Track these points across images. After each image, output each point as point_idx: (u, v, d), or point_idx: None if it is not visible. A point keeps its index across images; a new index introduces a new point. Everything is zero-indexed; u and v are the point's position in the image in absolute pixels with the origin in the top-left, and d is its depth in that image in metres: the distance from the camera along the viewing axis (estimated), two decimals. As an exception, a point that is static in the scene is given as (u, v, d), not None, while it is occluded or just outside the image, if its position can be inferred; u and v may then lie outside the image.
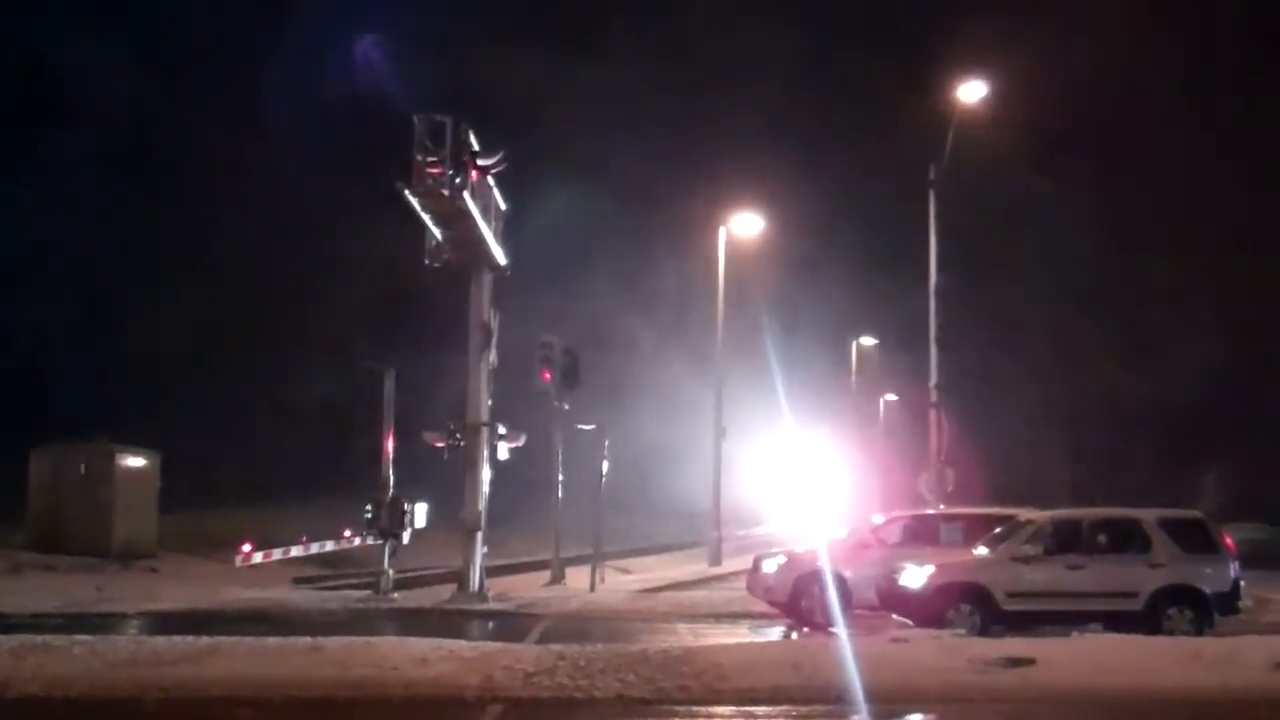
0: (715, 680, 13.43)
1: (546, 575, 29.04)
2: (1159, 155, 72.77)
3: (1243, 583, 19.39)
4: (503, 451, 25.62)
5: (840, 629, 20.23)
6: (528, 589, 27.44)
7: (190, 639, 15.53)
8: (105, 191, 52.22)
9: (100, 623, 19.46)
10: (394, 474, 26.66)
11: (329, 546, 27.63)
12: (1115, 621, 18.06)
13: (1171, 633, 18.05)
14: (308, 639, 15.33)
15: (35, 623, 18.85)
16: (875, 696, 13.14)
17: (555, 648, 15.63)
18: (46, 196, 50.36)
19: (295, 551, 26.57)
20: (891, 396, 71.73)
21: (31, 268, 45.15)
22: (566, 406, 28.67)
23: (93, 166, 53.26)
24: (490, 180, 24.17)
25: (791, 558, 22.81)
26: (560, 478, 29.00)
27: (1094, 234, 71.61)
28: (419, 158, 21.84)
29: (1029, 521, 19.98)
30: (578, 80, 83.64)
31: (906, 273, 36.34)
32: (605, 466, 29.00)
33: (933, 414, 29.64)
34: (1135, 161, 72.23)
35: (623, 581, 30.18)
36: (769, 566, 22.49)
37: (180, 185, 55.29)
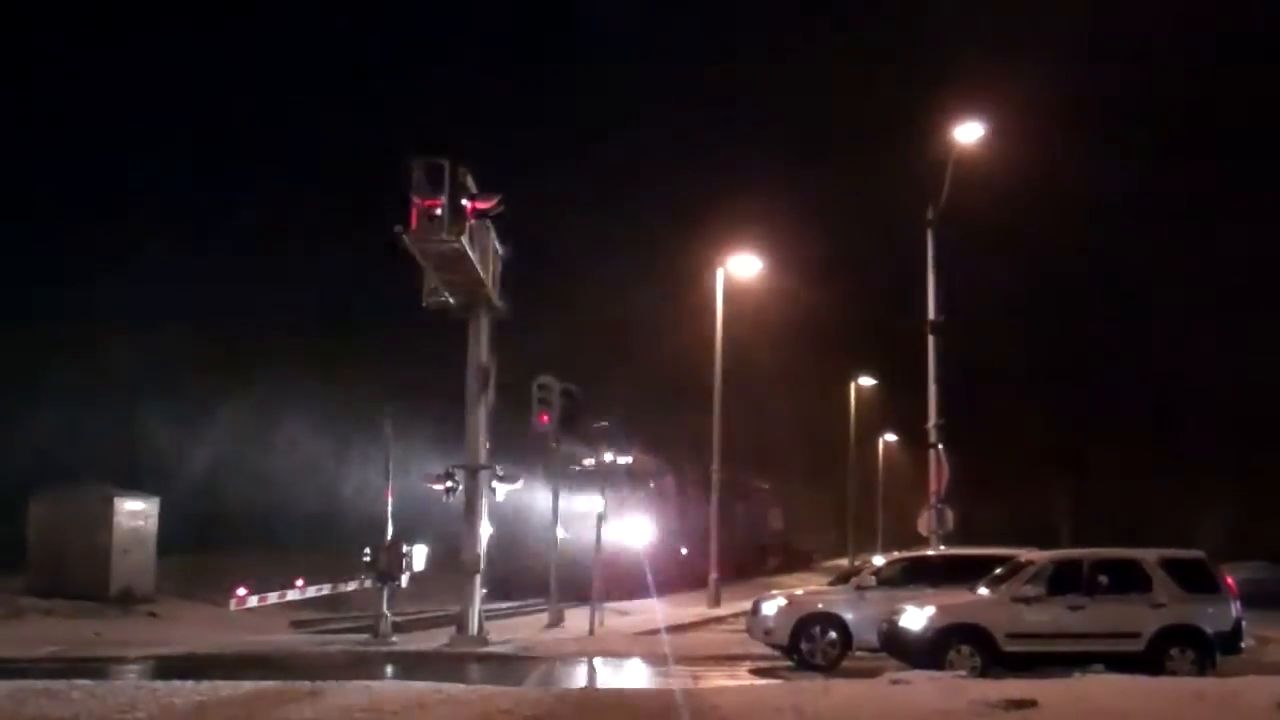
0: (715, 723, 13.38)
1: (545, 618, 28.95)
2: (1160, 183, 72.90)
3: (1245, 622, 19.38)
4: (500, 494, 25.61)
5: (840, 671, 20.28)
6: (527, 632, 27.35)
7: (189, 683, 15.49)
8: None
9: (100, 667, 19.41)
10: (393, 517, 26.62)
11: (326, 590, 27.51)
12: (1117, 662, 18.02)
13: (1174, 673, 18.00)
14: (307, 683, 15.29)
15: (34, 667, 18.78)
16: (877, 739, 13.12)
17: (554, 691, 15.64)
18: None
19: (291, 595, 26.44)
20: (891, 436, 71.87)
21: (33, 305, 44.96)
22: (564, 448, 28.68)
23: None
24: (488, 223, 24.21)
25: (791, 600, 22.80)
26: (558, 520, 28.99)
27: (1095, 266, 71.62)
28: (416, 200, 21.88)
29: (1030, 562, 19.96)
30: (575, 122, 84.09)
31: (905, 312, 36.41)
32: (603, 508, 29.00)
33: (932, 454, 29.58)
34: (1136, 190, 72.34)
35: (622, 624, 30.06)
36: (769, 609, 22.45)
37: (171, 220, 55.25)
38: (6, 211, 50.76)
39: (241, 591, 25.11)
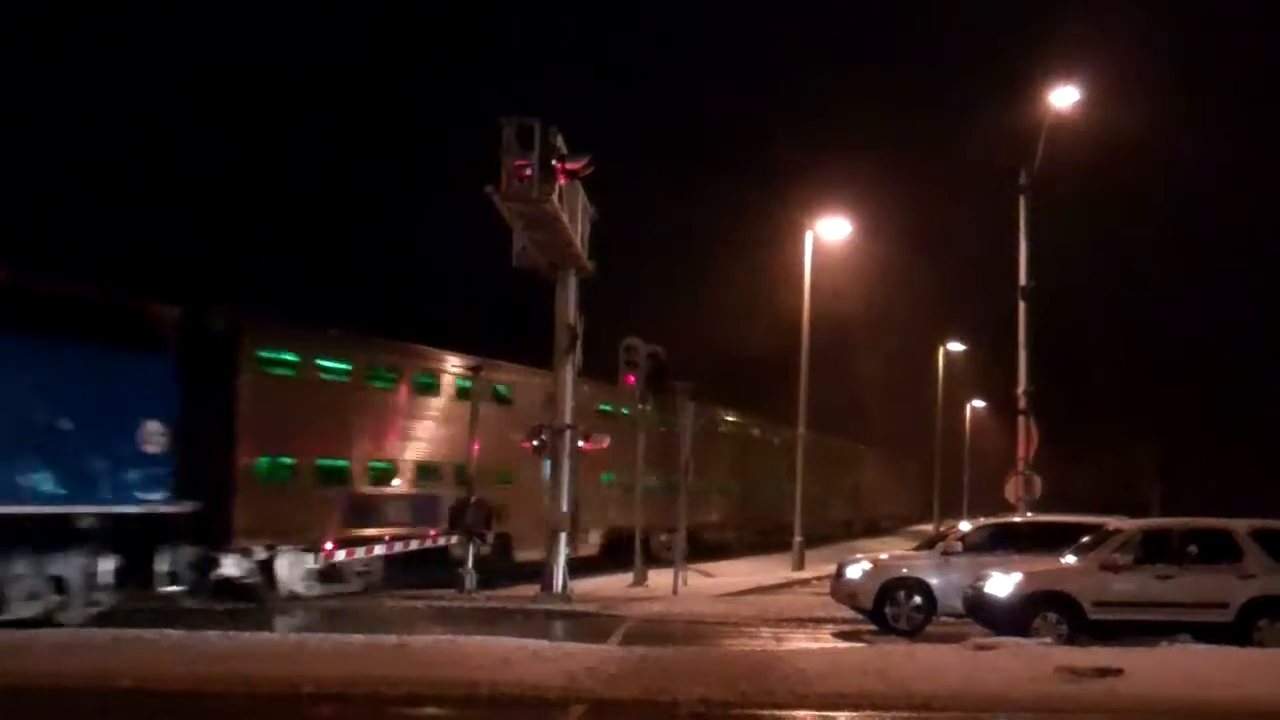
0: (799, 685, 13.40)
1: (629, 576, 29.08)
2: (1257, 148, 71.65)
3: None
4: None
5: (924, 636, 20.23)
6: (611, 590, 27.48)
7: (278, 635, 15.76)
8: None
9: (189, 617, 19.70)
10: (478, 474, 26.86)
11: (413, 545, 27.76)
12: (1204, 632, 17.80)
13: (1262, 644, 17.76)
14: (393, 637, 15.48)
15: (127, 616, 19.08)
16: (960, 705, 13.10)
17: (639, 650, 15.69)
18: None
19: (378, 550, 26.72)
20: (979, 402, 71.40)
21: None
22: (649, 408, 28.80)
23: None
24: (577, 184, 24.26)
25: (876, 564, 22.76)
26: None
27: (1195, 233, 70.50)
28: (507, 161, 21.97)
29: (1118, 530, 19.81)
30: (664, 87, 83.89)
31: (996, 277, 36.11)
32: (690, 467, 29.10)
33: (1020, 420, 29.38)
34: (1235, 157, 71.23)
35: (705, 584, 30.15)
36: (853, 572, 22.43)
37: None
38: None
39: (329, 545, 25.36)
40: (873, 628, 21.55)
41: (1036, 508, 28.24)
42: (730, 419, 46.77)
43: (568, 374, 25.42)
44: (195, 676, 13.43)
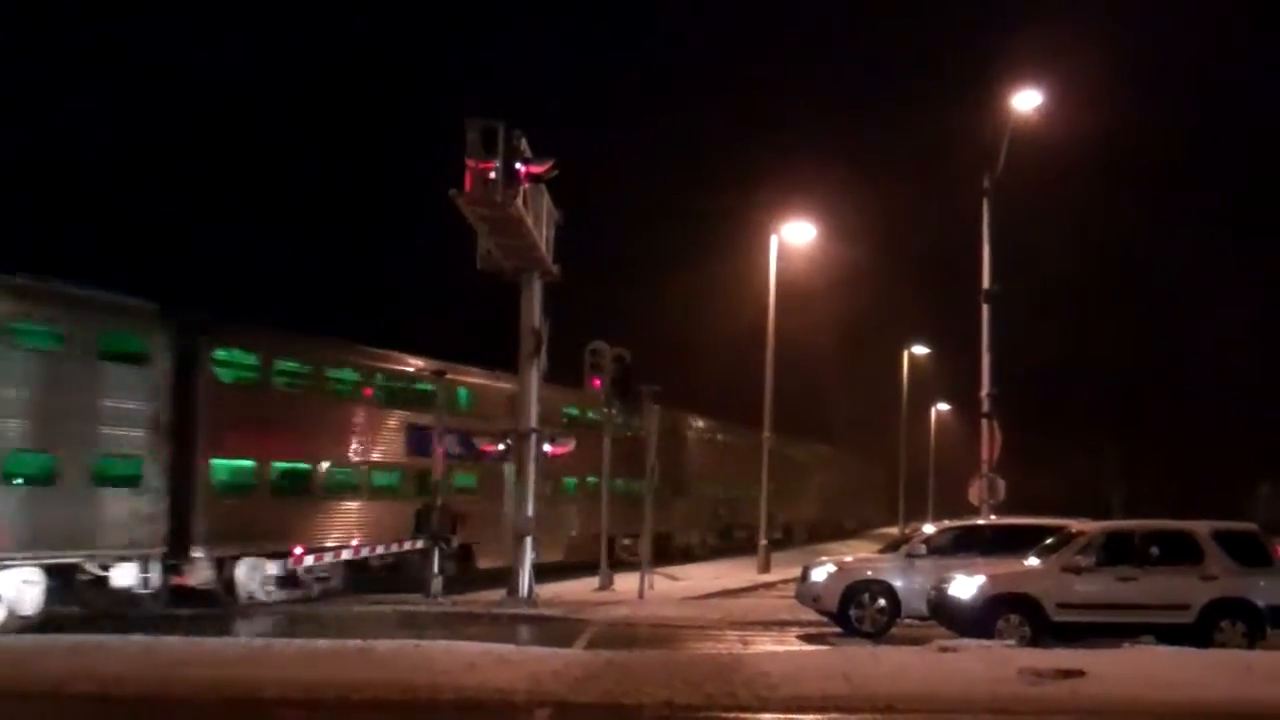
0: (764, 688, 13.43)
1: (595, 581, 29.05)
2: (1225, 155, 72.31)
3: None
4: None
5: (889, 639, 20.28)
6: (576, 594, 27.46)
7: (243, 640, 15.70)
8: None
9: (153, 622, 19.62)
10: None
11: (380, 550, 27.73)
12: (1166, 634, 17.90)
13: (1223, 645, 17.92)
14: (358, 642, 15.44)
15: (90, 622, 18.99)
16: (924, 707, 13.15)
17: (604, 653, 15.69)
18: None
19: (346, 555, 26.67)
20: (943, 405, 71.60)
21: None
22: (615, 412, 28.76)
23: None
24: (542, 187, 24.20)
25: (841, 566, 22.82)
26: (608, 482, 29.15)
27: (1156, 239, 70.96)
28: (471, 163, 21.88)
29: (1080, 533, 19.89)
30: (633, 90, 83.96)
31: (960, 281, 36.20)
32: (655, 471, 29.12)
33: (984, 423, 29.45)
34: (1199, 161, 71.83)
35: (671, 588, 30.15)
36: (818, 575, 22.47)
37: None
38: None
39: (298, 550, 25.31)
40: (838, 630, 21.58)
41: (1000, 510, 28.32)
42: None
43: (532, 378, 25.37)
44: (159, 681, 13.39)
